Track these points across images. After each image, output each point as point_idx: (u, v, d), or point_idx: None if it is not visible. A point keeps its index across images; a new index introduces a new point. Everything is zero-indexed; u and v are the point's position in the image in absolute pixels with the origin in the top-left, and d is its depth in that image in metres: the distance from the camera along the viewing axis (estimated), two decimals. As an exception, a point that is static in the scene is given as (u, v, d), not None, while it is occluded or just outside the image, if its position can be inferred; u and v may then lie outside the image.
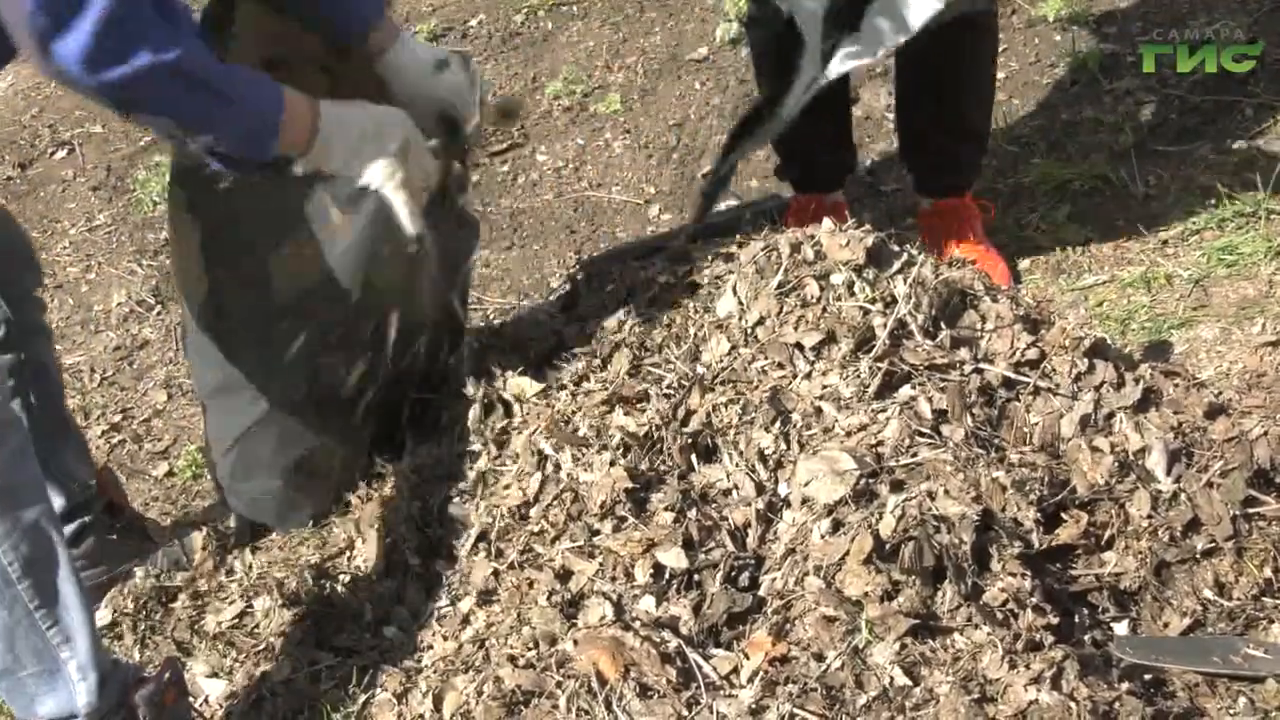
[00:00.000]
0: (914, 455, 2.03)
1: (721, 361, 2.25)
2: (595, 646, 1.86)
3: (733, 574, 1.96)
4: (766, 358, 2.22)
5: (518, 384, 2.34)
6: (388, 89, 2.20)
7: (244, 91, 1.86)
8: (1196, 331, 2.65)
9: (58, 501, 2.31)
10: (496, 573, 2.13)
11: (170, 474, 2.83)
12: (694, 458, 2.13)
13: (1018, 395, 2.17)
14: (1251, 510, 2.03)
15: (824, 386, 2.15)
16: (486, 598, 2.12)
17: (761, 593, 1.95)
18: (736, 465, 2.09)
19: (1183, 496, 2.04)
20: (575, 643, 1.89)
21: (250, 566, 2.42)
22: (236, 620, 2.31)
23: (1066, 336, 2.22)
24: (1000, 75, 3.14)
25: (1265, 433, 2.09)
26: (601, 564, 2.01)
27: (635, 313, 2.39)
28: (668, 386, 2.23)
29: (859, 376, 2.14)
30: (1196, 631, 1.97)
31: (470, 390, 2.35)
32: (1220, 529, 2.01)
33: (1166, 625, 1.97)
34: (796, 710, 1.75)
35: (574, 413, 2.25)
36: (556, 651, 1.90)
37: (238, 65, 1.89)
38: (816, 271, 2.27)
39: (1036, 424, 2.13)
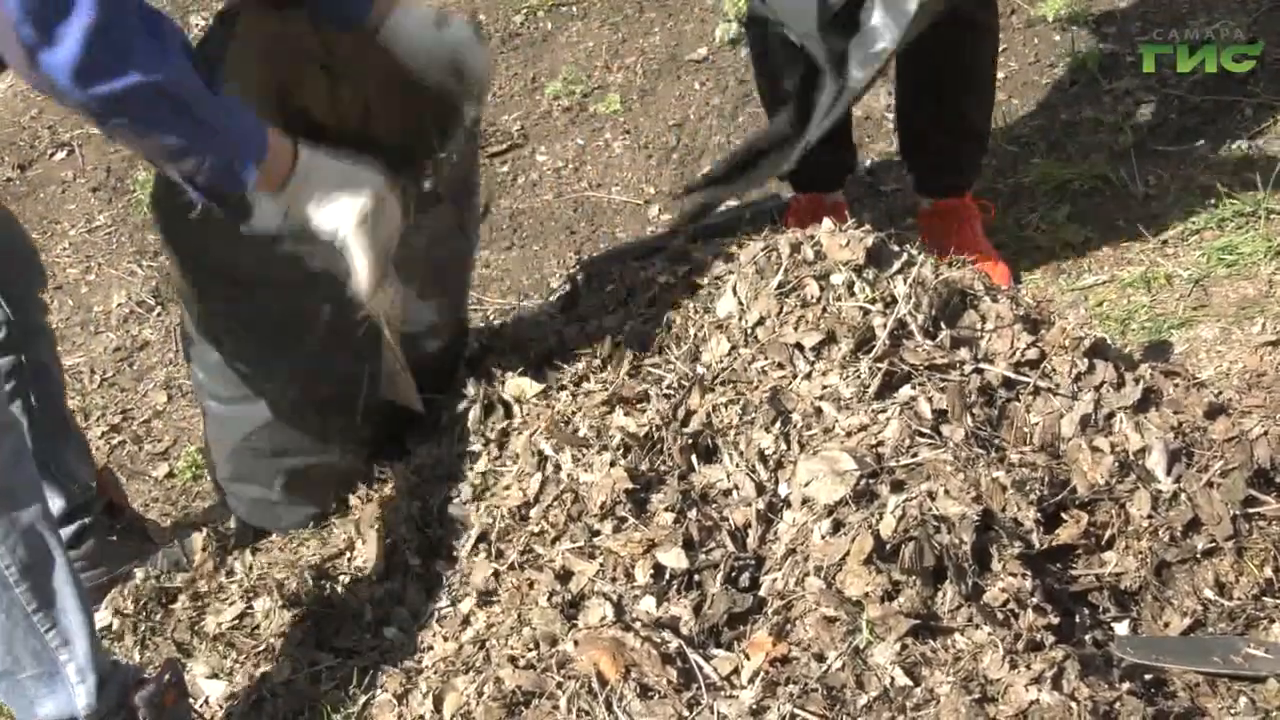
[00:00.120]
0: (914, 455, 2.03)
1: (721, 362, 2.25)
2: (596, 647, 1.85)
3: (733, 574, 1.96)
4: (766, 358, 2.22)
5: (518, 384, 2.34)
6: (390, 69, 2.19)
7: (228, 123, 1.82)
8: (1196, 331, 2.66)
9: (58, 503, 2.31)
10: (497, 573, 2.13)
11: (170, 475, 2.84)
12: (694, 458, 2.13)
13: (1018, 395, 2.17)
14: (1252, 510, 2.03)
15: (824, 387, 2.15)
16: (487, 598, 2.12)
17: (762, 593, 1.95)
18: (737, 465, 2.09)
19: (1183, 496, 2.04)
20: (576, 643, 1.89)
21: (250, 567, 2.42)
22: (237, 621, 2.31)
23: (1066, 336, 2.22)
24: (1000, 75, 3.14)
25: (1265, 432, 2.09)
26: (602, 564, 2.01)
27: (635, 313, 2.39)
28: (668, 387, 2.23)
29: (859, 377, 2.14)
30: (1197, 631, 1.97)
31: (470, 391, 2.35)
32: (1220, 529, 2.01)
33: (1167, 625, 1.97)
34: (797, 711, 1.75)
35: (574, 413, 2.25)
36: (557, 652, 1.90)
37: (227, 97, 1.86)
38: (816, 271, 2.27)
39: (1036, 424, 2.13)
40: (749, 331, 2.26)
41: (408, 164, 2.15)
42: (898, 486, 1.98)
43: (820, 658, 1.82)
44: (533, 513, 2.15)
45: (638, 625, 1.89)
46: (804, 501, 2.00)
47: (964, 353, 2.19)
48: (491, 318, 3.03)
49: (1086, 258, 2.93)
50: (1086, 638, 1.92)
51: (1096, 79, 3.39)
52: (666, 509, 2.03)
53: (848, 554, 1.89)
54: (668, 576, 1.96)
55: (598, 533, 2.05)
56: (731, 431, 2.14)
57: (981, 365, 2.19)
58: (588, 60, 3.87)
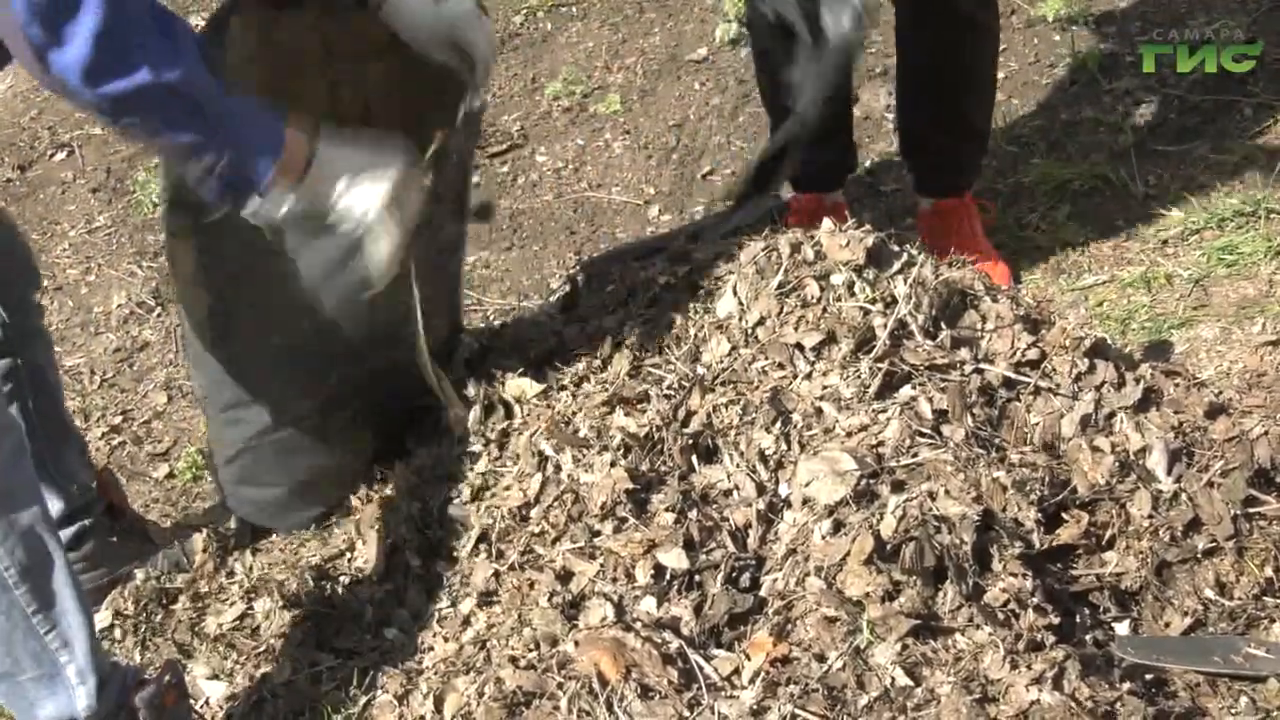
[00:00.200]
0: (914, 455, 2.03)
1: (722, 362, 2.25)
2: (596, 647, 1.85)
3: (734, 575, 1.96)
4: (767, 358, 2.22)
5: (518, 385, 2.34)
6: (390, 68, 2.18)
7: (243, 120, 1.83)
8: (1196, 331, 2.66)
9: (58, 504, 2.31)
10: (497, 574, 2.13)
11: (170, 476, 2.83)
12: (694, 458, 2.13)
13: (1018, 395, 2.17)
14: (1252, 510, 2.03)
15: (824, 387, 2.15)
16: (487, 599, 2.12)
17: (762, 593, 1.95)
18: (737, 466, 2.09)
19: (1183, 496, 2.04)
20: (576, 644, 1.89)
21: (251, 568, 2.42)
22: (237, 622, 2.31)
23: (1066, 336, 2.22)
24: (1000, 75, 3.14)
25: (1265, 432, 2.09)
26: (602, 565, 2.01)
27: (635, 313, 2.39)
28: (668, 387, 2.23)
29: (859, 377, 2.14)
30: (1198, 631, 1.97)
31: (471, 392, 2.35)
32: (1221, 528, 2.01)
33: (1168, 625, 1.97)
34: (798, 711, 1.75)
35: (574, 414, 2.25)
36: (557, 653, 1.89)
37: (241, 94, 1.86)
38: (816, 272, 2.27)
39: (1037, 424, 2.13)
40: (749, 332, 2.26)
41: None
42: (898, 487, 1.98)
43: (821, 658, 1.82)
44: (533, 513, 2.15)
45: (638, 626, 1.89)
46: (804, 502, 2.00)
47: (964, 353, 2.19)
48: (491, 318, 3.02)
49: (1086, 258, 2.93)
50: (1087, 638, 1.92)
51: (1096, 79, 3.40)
52: (667, 509, 2.03)
53: (848, 554, 1.89)
54: (668, 577, 1.96)
55: (598, 533, 2.05)
56: (732, 432, 2.14)
57: (982, 365, 2.18)
58: (588, 60, 3.87)
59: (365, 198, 1.92)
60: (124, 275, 3.44)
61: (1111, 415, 2.14)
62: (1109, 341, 2.33)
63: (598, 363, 2.35)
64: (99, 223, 3.64)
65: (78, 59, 1.64)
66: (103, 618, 2.33)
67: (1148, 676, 1.89)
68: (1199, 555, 2.00)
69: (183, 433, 2.94)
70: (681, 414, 2.18)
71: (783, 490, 2.05)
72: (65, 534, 2.33)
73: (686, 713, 1.77)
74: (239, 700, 2.17)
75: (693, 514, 2.02)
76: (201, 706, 2.18)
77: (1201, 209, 2.94)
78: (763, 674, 1.81)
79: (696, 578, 1.96)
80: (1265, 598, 1.99)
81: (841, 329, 2.19)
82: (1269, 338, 2.57)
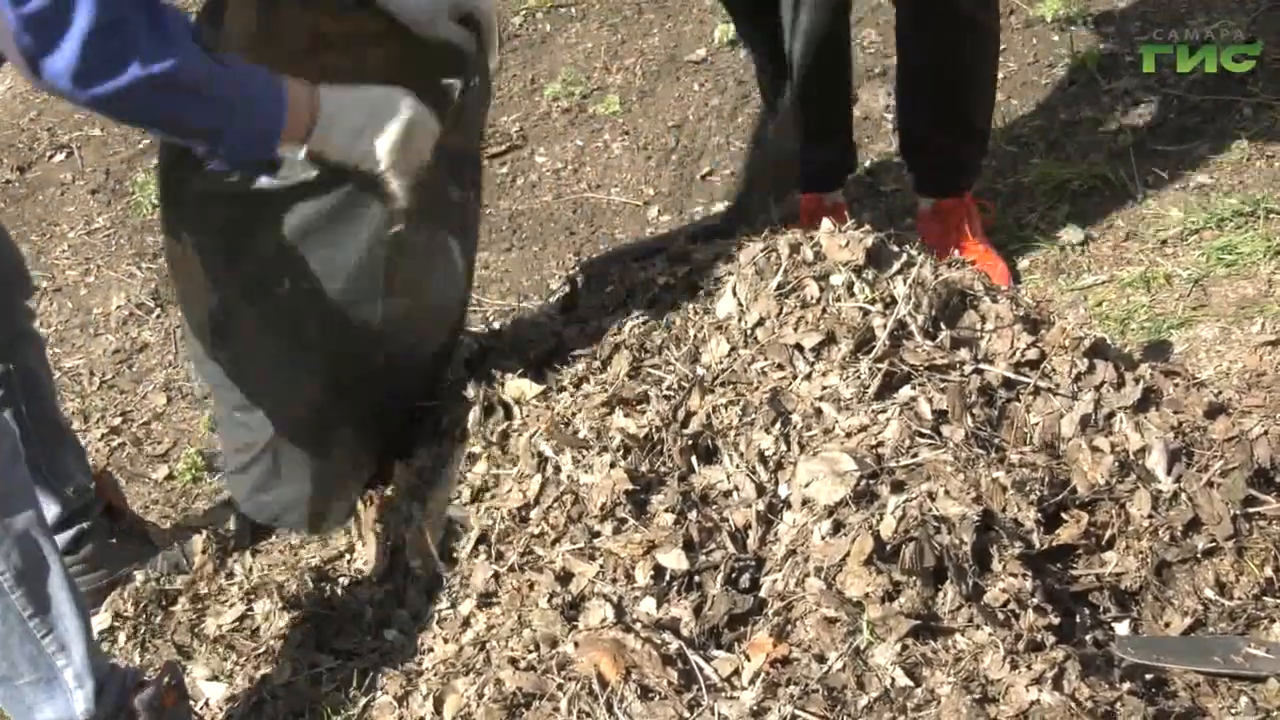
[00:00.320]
0: (914, 456, 2.03)
1: (721, 363, 2.25)
2: (596, 648, 1.85)
3: (733, 575, 1.96)
4: (766, 359, 2.22)
5: (517, 386, 2.34)
6: (391, 36, 2.18)
7: (243, 94, 1.84)
8: (1196, 331, 2.65)
9: (55, 508, 2.31)
10: (497, 575, 2.13)
11: (170, 477, 2.83)
12: (694, 459, 2.13)
13: (1018, 395, 2.17)
14: (1252, 510, 2.03)
15: (824, 387, 2.15)
16: (487, 600, 2.12)
17: (762, 594, 1.95)
18: (737, 466, 2.09)
19: (1183, 496, 2.03)
20: (576, 645, 1.89)
21: (250, 569, 2.42)
22: (236, 623, 2.31)
23: (1066, 336, 2.21)
24: (1000, 75, 3.14)
25: (1265, 432, 2.09)
26: (602, 566, 2.01)
27: (635, 314, 2.39)
28: (668, 388, 2.23)
29: (859, 377, 2.14)
30: (1198, 631, 1.97)
31: (470, 392, 2.35)
32: (1221, 528, 2.00)
33: (1168, 625, 1.97)
34: (798, 711, 1.75)
35: (574, 414, 2.25)
36: (557, 654, 1.89)
37: (238, 65, 1.87)
38: (816, 272, 2.27)
39: (1036, 424, 2.13)
40: (749, 332, 2.26)
41: None
42: (898, 487, 1.98)
43: (821, 659, 1.82)
44: (533, 514, 2.15)
45: (638, 626, 1.89)
46: (804, 502, 2.00)
47: (964, 353, 2.19)
48: (491, 319, 3.02)
49: (1086, 258, 2.93)
50: (1087, 638, 1.92)
51: (1096, 79, 3.39)
52: (667, 510, 2.03)
53: (848, 555, 1.89)
54: (668, 578, 1.96)
55: (598, 534, 2.05)
56: (731, 432, 2.14)
57: (981, 365, 2.18)
58: (587, 61, 3.87)
59: (373, 145, 1.96)
60: (123, 276, 3.44)
61: (1111, 415, 2.14)
62: (1108, 341, 2.33)
63: (597, 363, 2.35)
64: (98, 224, 3.64)
65: (66, 65, 1.66)
66: (102, 619, 2.33)
67: (1148, 676, 1.89)
68: (1199, 555, 2.00)
69: (182, 434, 2.94)
70: (681, 415, 2.18)
71: (782, 491, 2.04)
72: (64, 536, 2.33)
73: (686, 713, 1.77)
74: (239, 701, 2.17)
75: (692, 515, 2.02)
76: (201, 708, 2.18)
77: (1201, 209, 2.94)
78: (763, 675, 1.81)
79: (696, 578, 1.96)
80: (1265, 598, 1.99)
81: (841, 329, 2.19)
82: (1268, 338, 2.57)
